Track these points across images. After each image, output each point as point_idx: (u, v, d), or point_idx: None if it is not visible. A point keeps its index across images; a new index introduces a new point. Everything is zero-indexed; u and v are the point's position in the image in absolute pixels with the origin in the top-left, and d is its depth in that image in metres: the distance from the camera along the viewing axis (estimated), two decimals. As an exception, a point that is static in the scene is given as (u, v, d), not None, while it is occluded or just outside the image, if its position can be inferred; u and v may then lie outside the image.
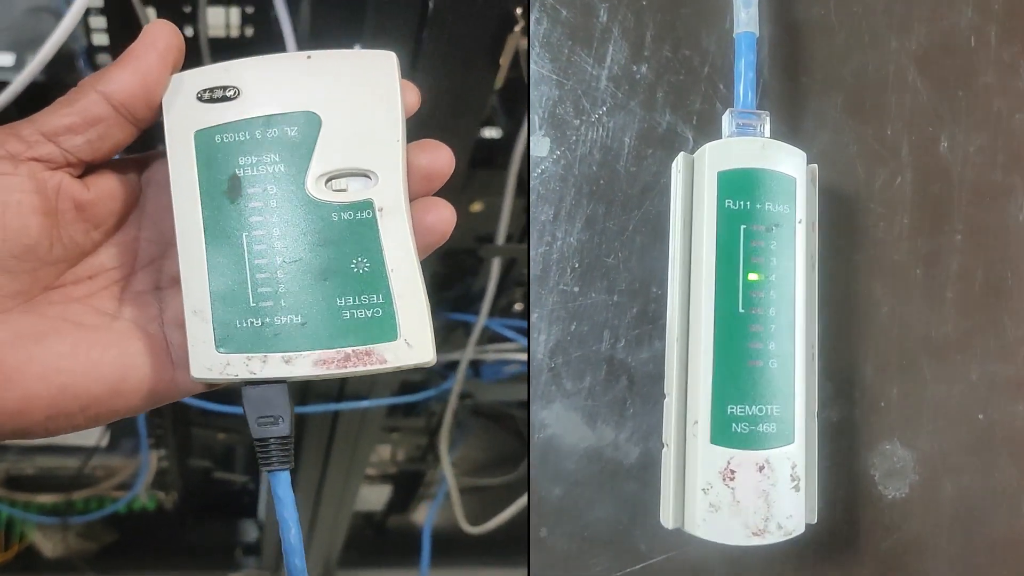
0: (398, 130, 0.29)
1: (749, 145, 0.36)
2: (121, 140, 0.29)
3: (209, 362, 0.28)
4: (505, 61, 0.45)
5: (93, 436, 0.89)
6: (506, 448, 1.03)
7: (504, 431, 1.01)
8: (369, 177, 0.29)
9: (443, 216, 0.29)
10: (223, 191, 0.28)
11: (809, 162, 0.37)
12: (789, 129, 0.41)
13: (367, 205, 0.28)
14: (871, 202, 0.42)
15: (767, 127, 0.38)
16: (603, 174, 0.41)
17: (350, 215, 0.28)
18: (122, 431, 0.92)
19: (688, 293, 0.36)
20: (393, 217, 0.28)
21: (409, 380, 0.77)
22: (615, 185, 0.41)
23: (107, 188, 0.30)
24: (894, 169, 0.42)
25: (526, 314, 0.47)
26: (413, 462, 0.99)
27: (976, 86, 0.42)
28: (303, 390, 0.72)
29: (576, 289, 0.41)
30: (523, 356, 0.74)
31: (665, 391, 0.37)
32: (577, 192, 0.41)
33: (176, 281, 0.29)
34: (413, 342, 0.28)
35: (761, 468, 0.35)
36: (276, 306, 0.28)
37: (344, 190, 0.29)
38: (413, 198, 0.29)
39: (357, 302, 0.28)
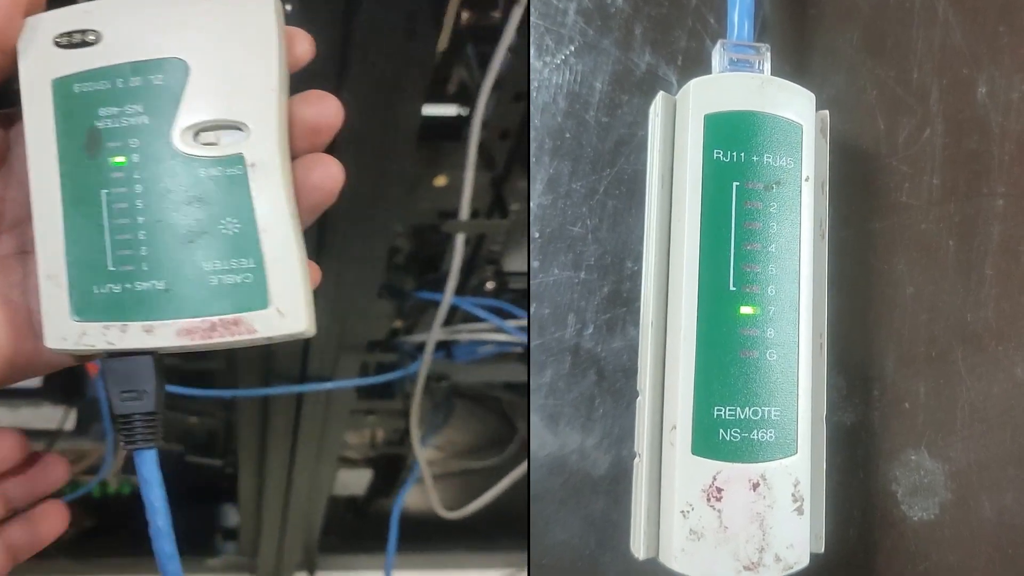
0: (273, 79, 0.29)
1: (745, 82, 0.34)
2: None
3: (64, 331, 0.28)
4: (449, 19, 0.45)
5: (56, 418, 0.90)
6: (493, 430, 1.10)
7: (491, 413, 1.07)
8: (241, 130, 0.29)
9: (330, 173, 0.29)
10: (81, 145, 0.28)
11: (819, 108, 0.36)
12: (794, 70, 0.39)
13: (237, 160, 0.28)
14: (893, 158, 0.40)
15: (767, 64, 0.35)
16: (569, 126, 0.39)
17: (219, 171, 0.28)
18: (89, 415, 0.94)
19: (667, 267, 0.35)
20: (266, 173, 0.28)
21: (381, 361, 0.81)
22: (583, 139, 0.39)
23: None
24: (921, 119, 0.40)
25: (526, 293, 0.46)
26: (392, 445, 1.04)
27: (1020, 21, 0.40)
28: (266, 371, 0.75)
29: (536, 264, 0.39)
30: (498, 336, 0.79)
31: (638, 388, 0.35)
32: (538, 148, 0.39)
33: None
34: (285, 310, 0.28)
35: (755, 485, 0.33)
36: (137, 271, 0.28)
37: (215, 144, 0.29)
38: (299, 154, 0.30)
39: (226, 267, 0.28)
